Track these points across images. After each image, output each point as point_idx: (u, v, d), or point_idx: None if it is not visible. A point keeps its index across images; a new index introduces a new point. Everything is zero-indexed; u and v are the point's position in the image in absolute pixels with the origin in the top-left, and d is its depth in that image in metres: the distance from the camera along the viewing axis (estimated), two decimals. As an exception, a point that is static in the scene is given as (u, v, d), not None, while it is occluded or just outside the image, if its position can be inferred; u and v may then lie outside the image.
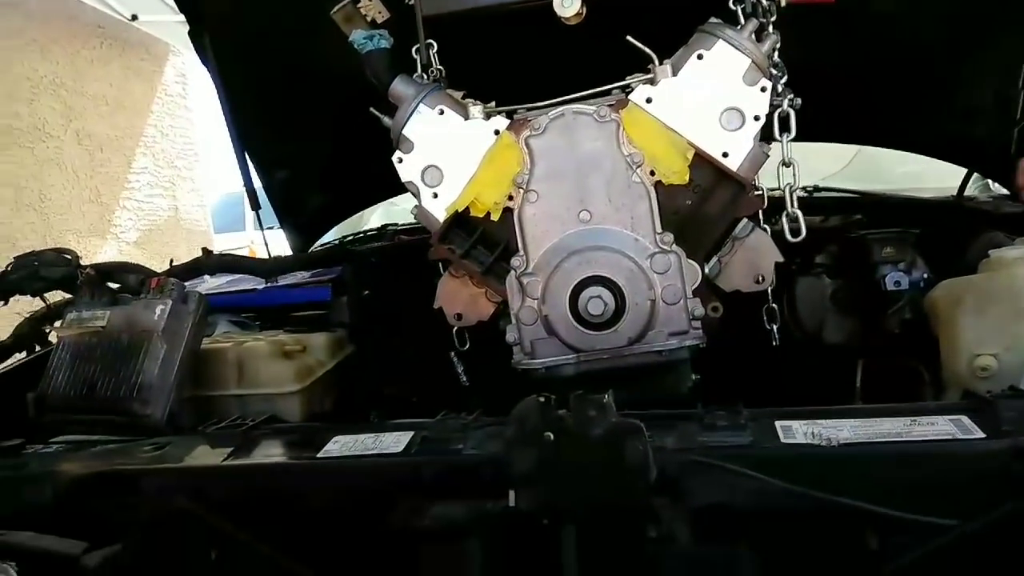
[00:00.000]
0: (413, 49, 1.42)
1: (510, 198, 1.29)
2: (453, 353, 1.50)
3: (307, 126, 2.07)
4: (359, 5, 1.76)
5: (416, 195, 1.34)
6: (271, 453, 1.09)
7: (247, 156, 2.12)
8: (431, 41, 1.41)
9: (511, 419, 0.91)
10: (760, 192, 1.28)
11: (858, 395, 1.48)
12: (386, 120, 1.36)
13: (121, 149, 5.27)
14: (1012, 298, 1.19)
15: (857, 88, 1.61)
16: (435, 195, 1.32)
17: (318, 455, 1.02)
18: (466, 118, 1.32)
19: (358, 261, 1.98)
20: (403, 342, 1.78)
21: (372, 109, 1.37)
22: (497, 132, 1.30)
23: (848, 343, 1.51)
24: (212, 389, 1.46)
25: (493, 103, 1.35)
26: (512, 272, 1.27)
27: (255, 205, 2.27)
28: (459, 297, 1.43)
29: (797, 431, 0.91)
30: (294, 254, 2.41)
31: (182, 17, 1.93)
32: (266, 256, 2.20)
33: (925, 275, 1.52)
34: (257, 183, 2.22)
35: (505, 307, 1.30)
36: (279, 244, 2.58)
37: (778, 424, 0.93)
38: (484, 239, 1.35)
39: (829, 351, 1.48)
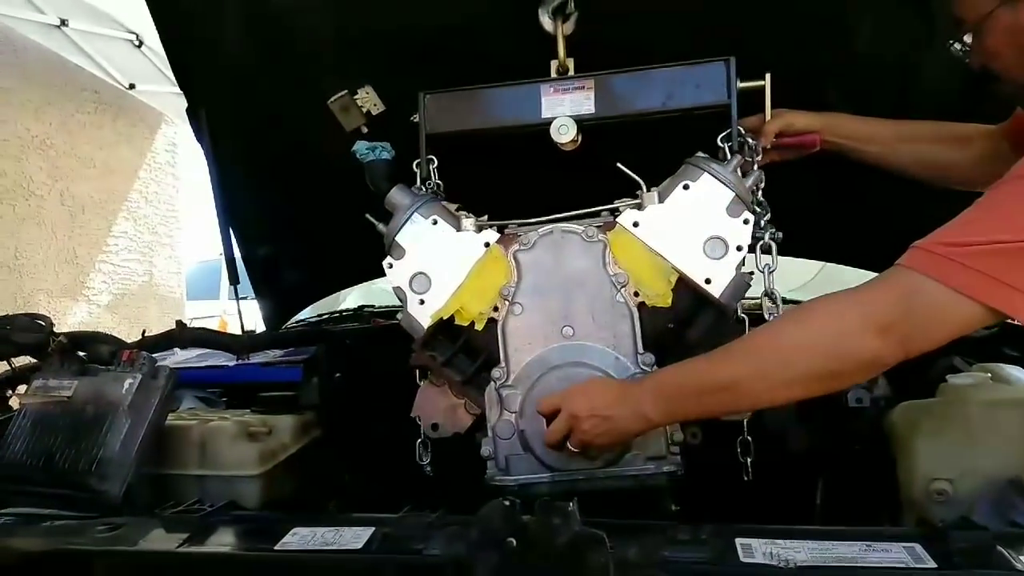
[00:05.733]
0: (414, 164, 1.48)
1: (495, 309, 1.32)
2: (420, 442, 1.50)
3: (294, 205, 2.11)
4: (355, 97, 1.84)
5: (403, 301, 1.37)
6: (227, 543, 1.07)
7: (231, 229, 2.14)
8: (432, 156, 1.47)
9: (475, 521, 0.91)
10: (742, 319, 1.32)
11: (818, 512, 1.49)
12: (380, 226, 1.41)
13: (103, 212, 5.27)
14: (966, 425, 1.23)
15: (826, 210, 1.69)
16: (422, 301, 1.36)
17: (275, 547, 1.01)
18: (458, 229, 1.37)
19: (332, 342, 1.99)
20: (372, 428, 1.77)
21: (368, 215, 1.42)
22: (487, 245, 1.35)
23: (810, 457, 1.53)
24: (172, 467, 1.44)
25: (485, 216, 1.40)
26: (492, 383, 1.30)
27: (234, 279, 2.28)
28: (437, 406, 1.46)
29: (756, 550, 0.92)
30: (268, 332, 2.41)
31: (178, 89, 1.99)
32: (239, 328, 2.20)
33: (886, 394, 1.55)
34: (237, 254, 2.23)
35: (482, 419, 1.31)
36: (252, 315, 2.57)
37: (738, 542, 0.94)
38: (467, 348, 1.38)
39: (792, 464, 1.50)
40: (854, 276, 2.09)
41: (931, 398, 1.36)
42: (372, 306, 2.53)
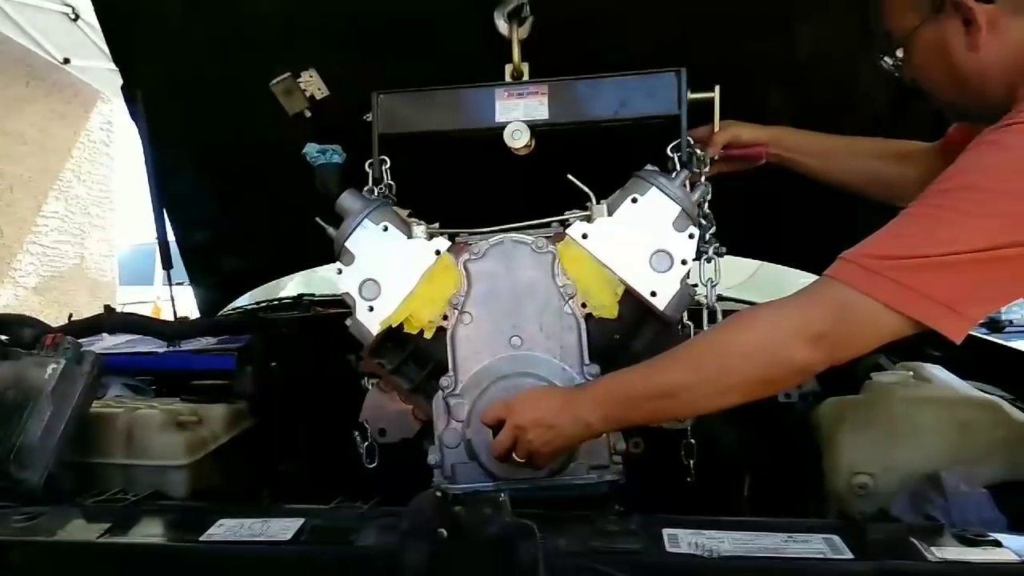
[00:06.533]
0: (367, 163, 1.46)
1: (445, 318, 1.32)
2: (357, 434, 1.48)
3: (233, 189, 2.07)
4: (299, 80, 1.81)
5: (352, 307, 1.36)
6: (150, 533, 1.04)
7: (165, 212, 2.08)
8: (384, 157, 1.46)
9: (406, 512, 0.91)
10: (688, 326, 1.35)
11: (746, 504, 1.53)
12: (330, 230, 1.39)
13: (33, 191, 5.08)
14: (889, 421, 1.27)
15: (762, 211, 1.73)
16: (371, 308, 1.34)
17: (200, 539, 0.98)
18: (409, 236, 1.35)
19: (269, 330, 1.95)
20: (307, 418, 1.75)
21: (317, 219, 1.40)
22: (438, 252, 1.34)
23: (741, 451, 1.57)
24: (97, 456, 1.40)
25: (437, 224, 1.40)
26: (440, 392, 1.29)
27: (167, 264, 2.22)
28: (385, 412, 1.45)
29: (682, 540, 0.93)
30: (202, 318, 2.36)
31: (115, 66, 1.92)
32: (172, 315, 2.14)
33: (815, 390, 1.60)
34: (172, 238, 2.17)
35: (430, 426, 1.31)
36: (188, 302, 2.51)
37: (665, 532, 0.95)
38: (415, 356, 1.38)
39: (723, 458, 1.53)
40: (789, 275, 2.15)
41: (856, 395, 1.41)
42: (312, 295, 2.49)
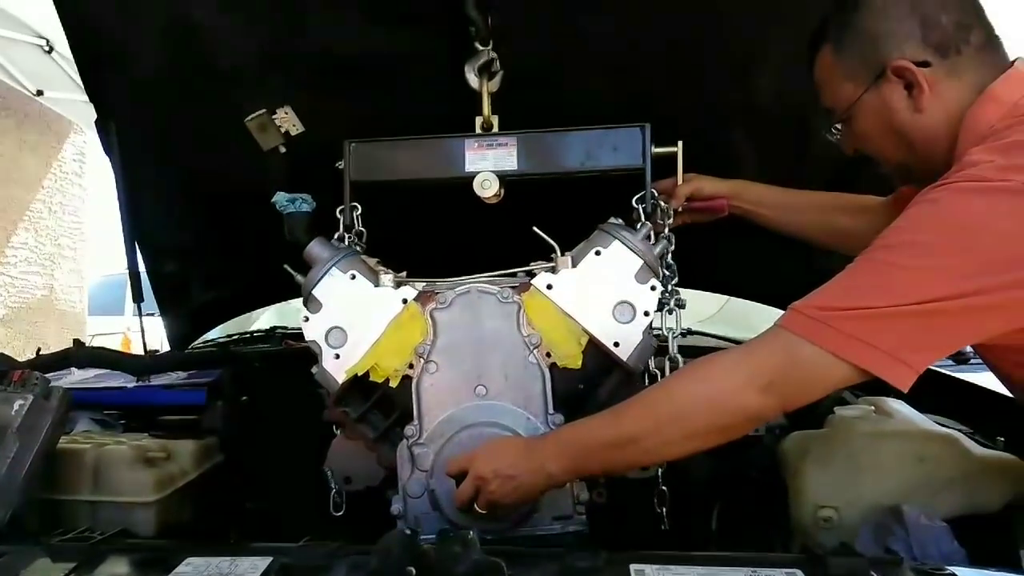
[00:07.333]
0: (337, 210, 1.48)
1: (410, 366, 1.33)
2: (330, 473, 1.48)
3: (205, 222, 2.07)
4: (274, 116, 1.83)
5: (318, 355, 1.36)
6: (117, 572, 1.03)
7: (137, 244, 2.07)
8: (356, 204, 1.48)
9: (375, 551, 0.91)
10: (654, 375, 1.37)
11: (713, 537, 1.54)
12: (299, 277, 1.40)
13: (2, 222, 5.01)
14: (851, 455, 1.30)
15: (730, 247, 1.77)
16: (337, 356, 1.35)
17: (167, 578, 0.98)
18: (376, 285, 1.37)
19: (240, 364, 1.94)
20: (277, 454, 1.74)
21: (286, 266, 1.41)
22: (405, 301, 1.35)
23: (708, 484, 1.59)
24: (63, 493, 1.38)
25: (404, 272, 1.41)
26: (404, 441, 1.30)
27: (138, 296, 2.20)
28: (350, 460, 1.45)
29: (649, 576, 0.95)
30: (172, 352, 2.34)
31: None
32: (142, 346, 2.12)
33: (781, 424, 1.63)
34: (143, 269, 2.16)
35: (395, 475, 1.31)
36: (158, 332, 2.48)
37: (632, 568, 0.96)
38: (381, 404, 1.38)
39: (690, 489, 1.54)
40: (756, 309, 2.19)
41: (820, 429, 1.43)
42: (285, 327, 2.48)
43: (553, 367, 1.31)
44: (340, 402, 1.37)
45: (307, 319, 1.37)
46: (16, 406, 1.31)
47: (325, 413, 1.38)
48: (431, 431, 1.30)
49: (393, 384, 1.33)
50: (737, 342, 1.98)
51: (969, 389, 1.72)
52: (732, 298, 2.36)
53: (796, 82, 1.30)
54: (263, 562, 0.99)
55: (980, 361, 1.27)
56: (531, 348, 1.31)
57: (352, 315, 1.35)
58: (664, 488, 1.38)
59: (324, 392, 1.39)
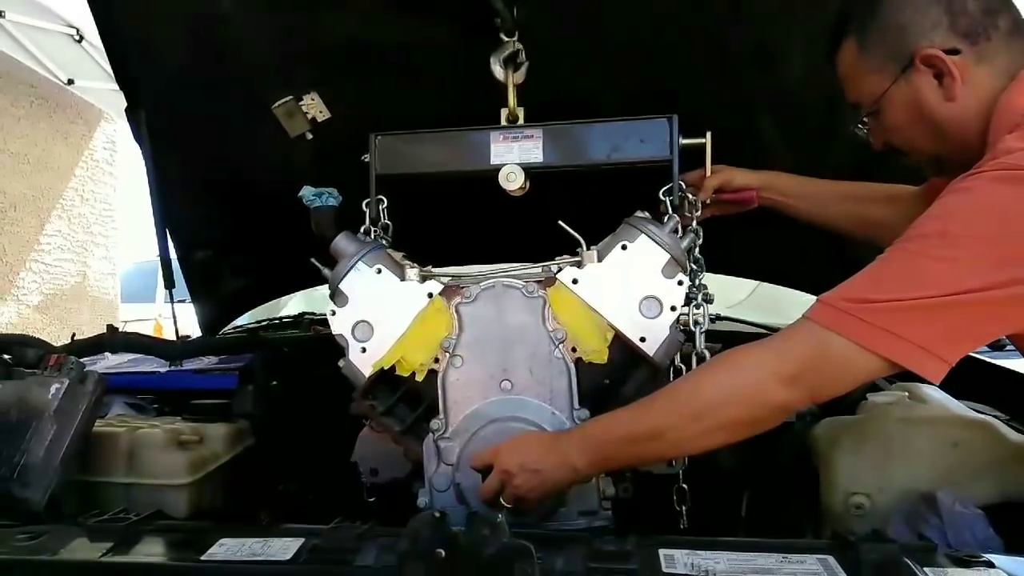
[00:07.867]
0: (364, 203, 1.48)
1: (436, 360, 1.33)
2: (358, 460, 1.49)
3: (234, 210, 2.08)
4: (301, 103, 1.84)
5: (344, 348, 1.37)
6: (152, 552, 1.05)
7: (168, 232, 2.10)
8: (381, 197, 1.48)
9: (405, 533, 0.92)
10: (679, 369, 1.35)
11: (743, 523, 1.53)
12: (325, 271, 1.40)
13: (36, 210, 5.10)
14: (884, 442, 1.28)
15: (761, 232, 1.74)
16: (363, 350, 1.36)
17: (201, 558, 0.99)
18: (402, 279, 1.37)
19: (270, 350, 1.97)
20: (307, 438, 1.76)
21: (313, 260, 1.41)
22: (430, 295, 1.35)
23: (739, 470, 1.58)
24: (99, 475, 1.42)
25: (430, 266, 1.41)
26: (430, 435, 1.30)
27: (170, 283, 2.23)
28: (377, 453, 1.46)
29: (679, 561, 0.94)
30: (204, 337, 2.37)
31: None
32: (174, 332, 2.15)
33: (812, 410, 1.61)
34: (174, 256, 2.19)
35: (421, 467, 1.32)
36: (189, 319, 2.52)
37: (662, 552, 0.96)
38: (407, 398, 1.39)
39: (720, 476, 1.54)
40: (786, 294, 2.16)
41: (853, 415, 1.42)
42: (313, 313, 2.50)
43: (579, 362, 1.30)
44: (367, 395, 1.38)
45: (334, 313, 1.37)
46: (52, 390, 1.34)
47: (352, 406, 1.39)
48: (457, 425, 1.30)
49: (419, 378, 1.34)
50: (768, 328, 1.96)
51: (1005, 375, 1.69)
52: (763, 283, 2.34)
53: (823, 69, 1.27)
54: (295, 543, 1.01)
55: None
56: (556, 343, 1.30)
57: (378, 309, 1.36)
58: (684, 486, 1.36)
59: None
